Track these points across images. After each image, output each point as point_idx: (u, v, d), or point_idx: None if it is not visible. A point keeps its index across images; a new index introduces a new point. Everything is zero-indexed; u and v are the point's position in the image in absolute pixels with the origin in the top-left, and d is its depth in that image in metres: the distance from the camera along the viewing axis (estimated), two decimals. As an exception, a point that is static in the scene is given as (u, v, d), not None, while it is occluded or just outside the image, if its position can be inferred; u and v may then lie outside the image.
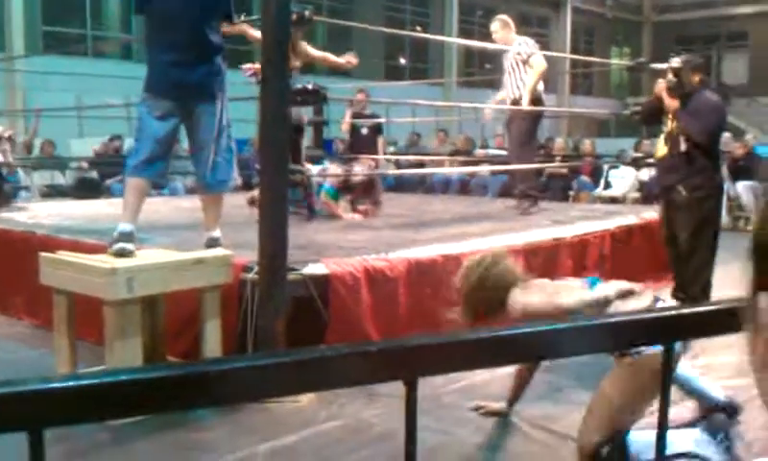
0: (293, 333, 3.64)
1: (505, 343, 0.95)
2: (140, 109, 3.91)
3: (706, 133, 4.85)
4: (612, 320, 1.08)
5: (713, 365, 4.06)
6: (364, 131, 8.99)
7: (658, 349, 4.20)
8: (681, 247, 4.99)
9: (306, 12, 3.77)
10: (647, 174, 11.59)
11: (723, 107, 5.20)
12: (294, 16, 3.66)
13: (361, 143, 8.89)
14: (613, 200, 11.20)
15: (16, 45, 15.08)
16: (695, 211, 4.91)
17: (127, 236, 3.63)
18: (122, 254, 3.54)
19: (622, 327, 1.07)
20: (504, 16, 6.84)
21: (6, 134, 7.15)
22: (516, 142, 6.64)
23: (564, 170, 11.59)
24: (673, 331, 1.14)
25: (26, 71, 13.50)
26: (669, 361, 1.11)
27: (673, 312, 1.17)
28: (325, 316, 3.86)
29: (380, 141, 9.08)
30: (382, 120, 9.30)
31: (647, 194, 11.20)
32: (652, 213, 6.75)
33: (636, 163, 11.24)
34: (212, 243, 3.87)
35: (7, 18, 15.26)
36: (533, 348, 0.99)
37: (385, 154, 9.92)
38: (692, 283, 5.01)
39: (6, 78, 14.42)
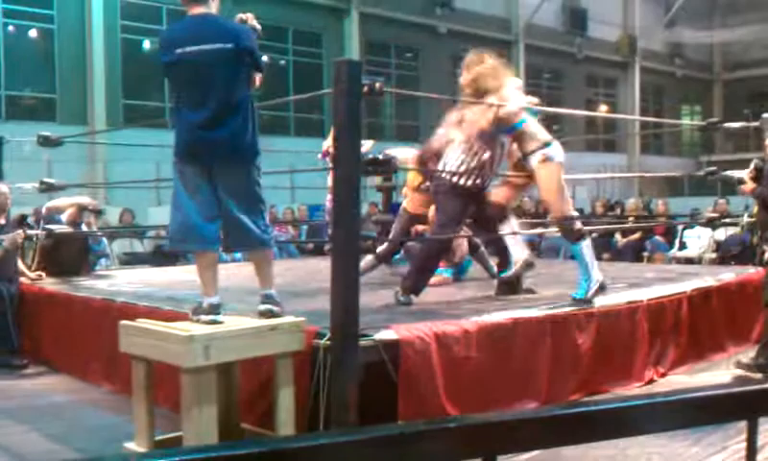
0: (364, 399, 3.63)
1: (586, 420, 0.94)
2: (173, 178, 3.80)
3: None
4: (696, 396, 1.06)
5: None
6: None
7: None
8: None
9: (377, 84, 3.82)
10: (723, 234, 11.31)
11: None
12: (365, 88, 3.72)
13: None
14: (689, 261, 10.94)
15: (98, 119, 15.79)
16: None
17: (215, 308, 3.69)
18: (213, 323, 3.60)
19: (707, 402, 1.05)
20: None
21: (90, 207, 7.44)
22: None
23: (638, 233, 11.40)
24: (759, 406, 1.11)
25: (107, 144, 14.08)
26: (754, 438, 1.08)
27: (758, 387, 1.14)
28: (396, 382, 3.85)
29: None
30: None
31: (724, 254, 10.91)
32: (730, 275, 6.57)
33: (712, 223, 10.97)
34: (267, 300, 3.79)
35: (89, 94, 16.03)
36: (614, 424, 0.98)
37: None
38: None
39: (88, 151, 15.07)
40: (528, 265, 5.19)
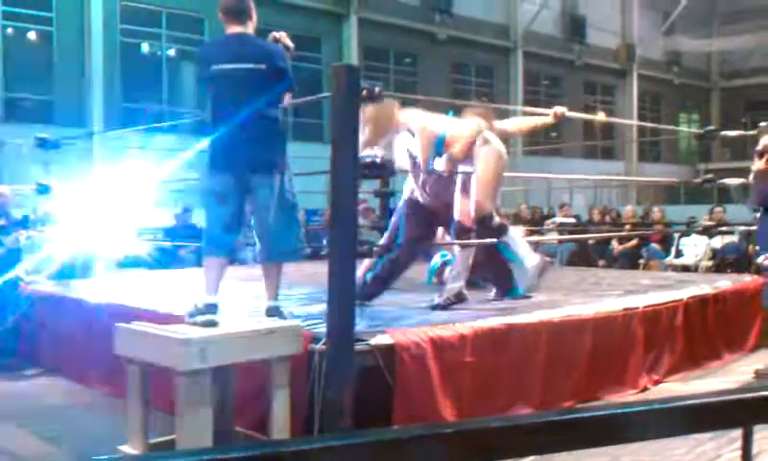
0: (360, 404, 3.63)
1: (581, 426, 0.94)
2: (203, 189, 3.97)
3: (761, 194, 5.42)
4: (692, 402, 1.05)
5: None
6: None
7: None
8: None
9: (376, 89, 3.83)
10: (720, 242, 11.33)
11: None
12: (363, 92, 3.72)
13: None
14: (685, 268, 10.96)
15: (97, 121, 15.78)
16: None
17: (212, 308, 3.70)
18: (208, 325, 3.60)
19: (702, 410, 1.05)
20: None
21: None
22: None
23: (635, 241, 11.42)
24: (754, 413, 1.11)
25: (104, 146, 14.06)
26: (749, 446, 1.08)
27: (753, 394, 1.14)
28: (392, 387, 3.85)
29: None
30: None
31: (720, 262, 10.93)
32: (726, 282, 6.58)
33: (708, 231, 11.00)
34: (271, 312, 3.87)
35: (88, 97, 16.02)
36: (609, 431, 0.98)
37: None
38: None
39: (85, 152, 15.04)
40: (543, 269, 5.02)
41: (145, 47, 17.82)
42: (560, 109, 5.94)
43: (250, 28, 3.97)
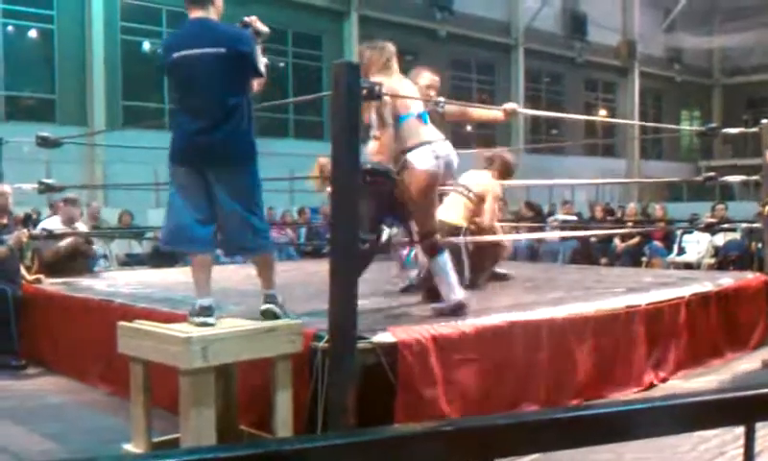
0: (362, 402, 3.63)
1: (584, 423, 0.94)
2: (169, 181, 3.83)
3: None
4: (695, 400, 1.06)
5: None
6: None
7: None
8: None
9: (377, 87, 3.82)
10: (722, 239, 11.33)
11: None
12: (364, 91, 3.72)
13: None
14: (688, 266, 10.96)
15: (97, 120, 15.79)
16: None
17: (206, 310, 3.69)
18: (204, 326, 3.59)
19: (704, 407, 1.05)
20: None
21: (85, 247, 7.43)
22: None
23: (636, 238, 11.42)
24: (756, 411, 1.11)
25: (106, 145, 14.07)
26: (752, 443, 1.08)
27: (755, 392, 1.14)
28: (395, 385, 3.85)
29: None
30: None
31: (722, 260, 10.93)
32: (728, 280, 6.57)
33: (711, 228, 10.99)
34: (270, 299, 3.82)
35: (89, 95, 16.04)
36: (612, 428, 0.98)
37: None
38: None
39: (87, 152, 15.06)
40: (460, 308, 4.60)
41: (146, 45, 17.84)
42: (510, 106, 5.75)
43: (212, 13, 3.82)
